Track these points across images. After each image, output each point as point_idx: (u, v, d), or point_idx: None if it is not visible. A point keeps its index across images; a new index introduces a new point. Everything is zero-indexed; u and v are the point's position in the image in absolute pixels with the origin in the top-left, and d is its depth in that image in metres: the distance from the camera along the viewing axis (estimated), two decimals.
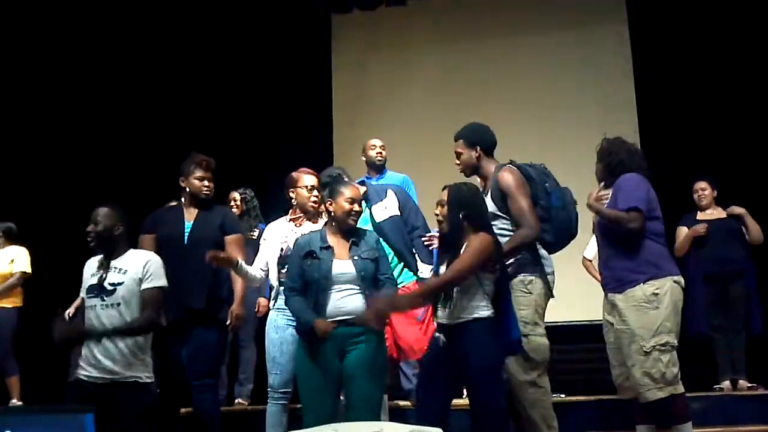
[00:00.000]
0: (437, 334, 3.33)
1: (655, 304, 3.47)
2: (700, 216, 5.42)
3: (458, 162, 3.77)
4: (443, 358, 3.28)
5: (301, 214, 3.99)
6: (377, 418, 3.40)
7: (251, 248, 4.75)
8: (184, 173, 3.96)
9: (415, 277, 4.13)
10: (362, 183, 4.35)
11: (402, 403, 4.70)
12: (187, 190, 3.95)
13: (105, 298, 3.39)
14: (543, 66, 7.29)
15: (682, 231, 5.39)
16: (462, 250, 3.25)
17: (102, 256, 3.50)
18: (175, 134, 6.85)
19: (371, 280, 3.42)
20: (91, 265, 3.52)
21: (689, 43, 6.75)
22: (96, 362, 3.35)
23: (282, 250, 3.92)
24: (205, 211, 3.94)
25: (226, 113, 7.33)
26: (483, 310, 3.23)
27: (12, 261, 5.60)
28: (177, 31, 7.20)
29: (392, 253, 4.06)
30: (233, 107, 7.36)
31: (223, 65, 7.35)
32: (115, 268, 3.45)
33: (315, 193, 3.92)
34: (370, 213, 4.13)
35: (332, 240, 3.47)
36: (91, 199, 5.73)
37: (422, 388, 3.43)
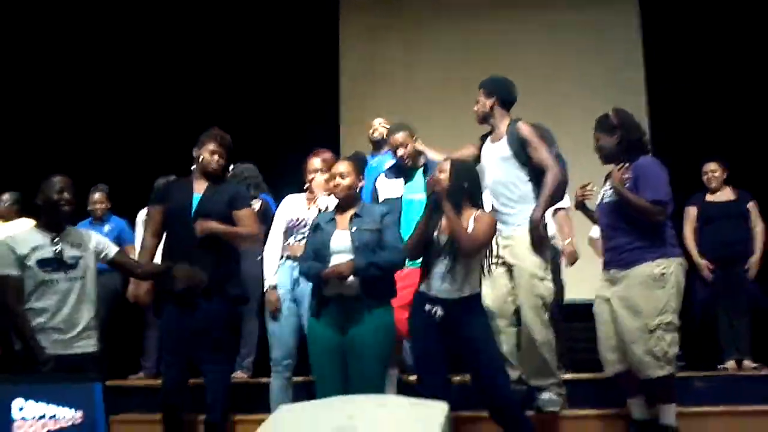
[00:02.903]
0: (432, 308, 3.39)
1: (661, 284, 3.51)
2: (709, 197, 5.40)
3: (475, 108, 3.96)
4: (439, 332, 3.38)
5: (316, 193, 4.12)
6: (380, 392, 3.38)
7: None
8: (198, 144, 3.92)
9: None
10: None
11: (409, 377, 4.70)
12: (200, 159, 3.88)
13: (68, 272, 3.37)
14: (552, 45, 7.26)
15: (691, 211, 5.37)
16: (451, 218, 3.35)
17: (52, 228, 3.42)
18: (182, 112, 6.85)
19: (371, 252, 3.43)
20: (29, 239, 3.39)
21: (699, 23, 6.70)
22: (58, 333, 3.33)
23: (289, 221, 4.08)
24: (215, 185, 3.87)
25: (233, 90, 7.31)
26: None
27: None
28: (189, 9, 7.21)
29: None
30: (240, 84, 7.33)
31: (230, 43, 7.33)
32: (67, 242, 3.42)
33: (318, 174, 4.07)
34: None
35: (338, 213, 3.60)
36: (103, 178, 5.80)
37: (423, 364, 3.49)
